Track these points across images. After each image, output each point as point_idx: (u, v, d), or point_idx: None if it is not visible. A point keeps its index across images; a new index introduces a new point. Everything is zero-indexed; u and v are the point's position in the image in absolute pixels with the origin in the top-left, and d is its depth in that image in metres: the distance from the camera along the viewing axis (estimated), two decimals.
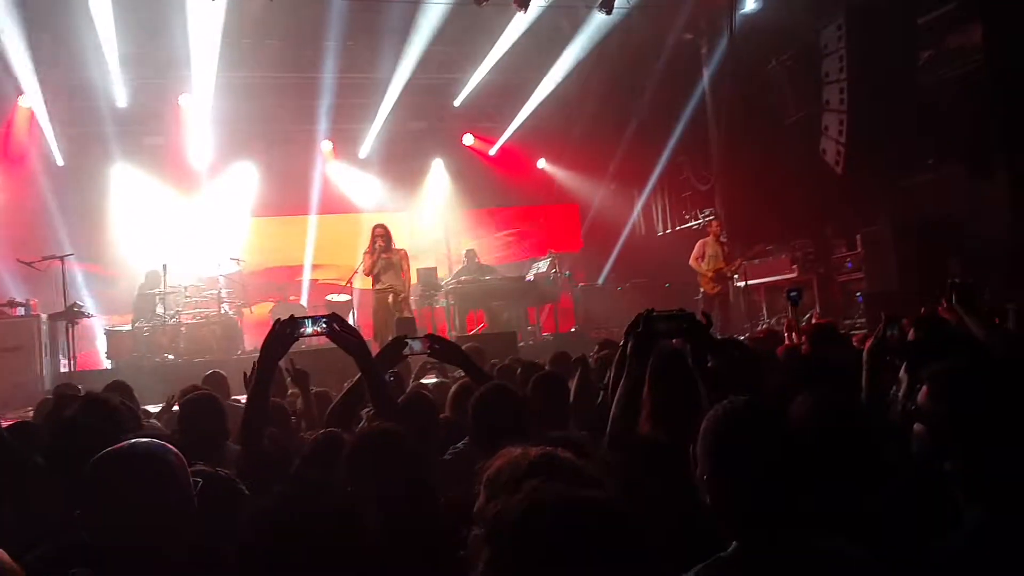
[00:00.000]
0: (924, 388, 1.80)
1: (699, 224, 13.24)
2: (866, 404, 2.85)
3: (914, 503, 1.96)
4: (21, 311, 10.22)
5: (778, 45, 12.19)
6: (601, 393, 3.77)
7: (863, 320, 9.65)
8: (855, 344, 5.14)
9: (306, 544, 1.56)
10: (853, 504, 1.98)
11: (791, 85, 12.18)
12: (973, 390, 1.72)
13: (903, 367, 2.85)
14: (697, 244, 11.70)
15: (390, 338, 10.22)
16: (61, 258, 10.28)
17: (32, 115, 12.36)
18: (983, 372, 1.76)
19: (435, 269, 13.43)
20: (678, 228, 14.69)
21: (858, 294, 10.46)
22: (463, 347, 5.33)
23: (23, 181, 12.57)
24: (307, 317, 2.92)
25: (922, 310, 4.42)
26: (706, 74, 13.15)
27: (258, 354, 2.84)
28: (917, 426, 1.79)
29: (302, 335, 2.86)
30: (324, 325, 2.88)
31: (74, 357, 10.21)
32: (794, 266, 11.19)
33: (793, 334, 6.22)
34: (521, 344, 10.07)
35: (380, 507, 2.08)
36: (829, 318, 8.93)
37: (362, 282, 11.90)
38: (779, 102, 12.37)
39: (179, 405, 3.71)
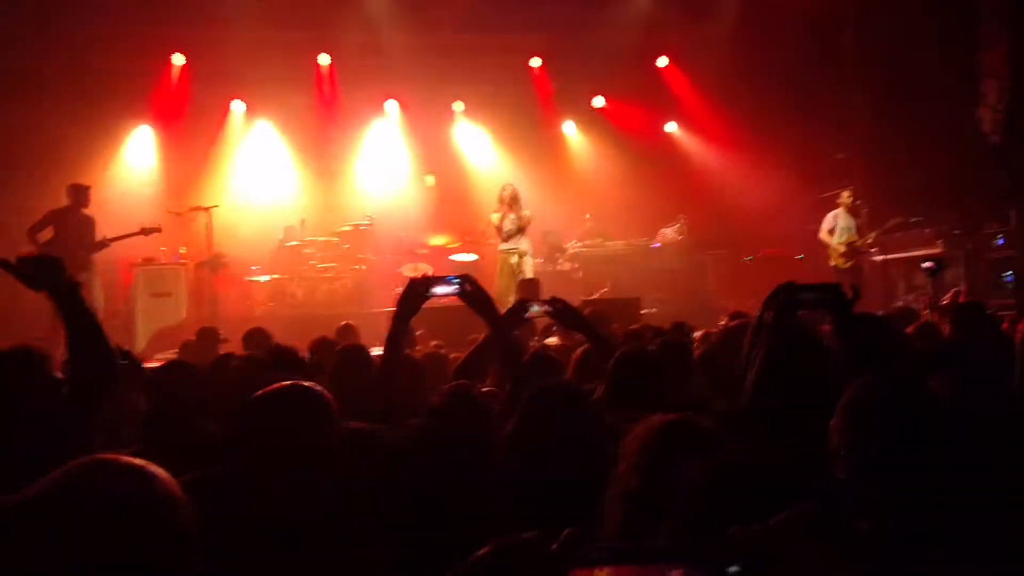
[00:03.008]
0: None
1: (832, 194, 12.70)
2: (1018, 391, 2.70)
3: None
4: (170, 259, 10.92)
5: (929, 5, 11.48)
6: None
7: (1012, 302, 9.09)
8: (1004, 328, 4.87)
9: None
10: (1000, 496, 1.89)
11: (942, 48, 11.47)
12: None
13: None
14: (827, 216, 11.27)
15: (512, 299, 10.42)
16: (208, 209, 10.83)
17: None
18: None
19: (560, 232, 13.44)
20: (815, 198, 14.14)
21: (1008, 273, 9.84)
22: (585, 312, 5.35)
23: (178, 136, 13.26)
24: (441, 277, 2.99)
25: None
26: (851, 37, 12.55)
27: (392, 310, 2.94)
28: None
29: (435, 295, 2.93)
30: (457, 285, 2.94)
31: (216, 304, 10.82)
32: (939, 240, 10.61)
33: (933, 313, 5.93)
34: (644, 311, 9.98)
35: (548, 456, 2.13)
36: (974, 298, 8.45)
37: (486, 242, 12.07)
38: (928, 65, 11.67)
39: (338, 354, 3.85)
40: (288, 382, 2.00)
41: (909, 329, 4.78)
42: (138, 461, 1.21)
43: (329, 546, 1.77)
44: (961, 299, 7.80)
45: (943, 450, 1.63)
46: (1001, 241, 10.07)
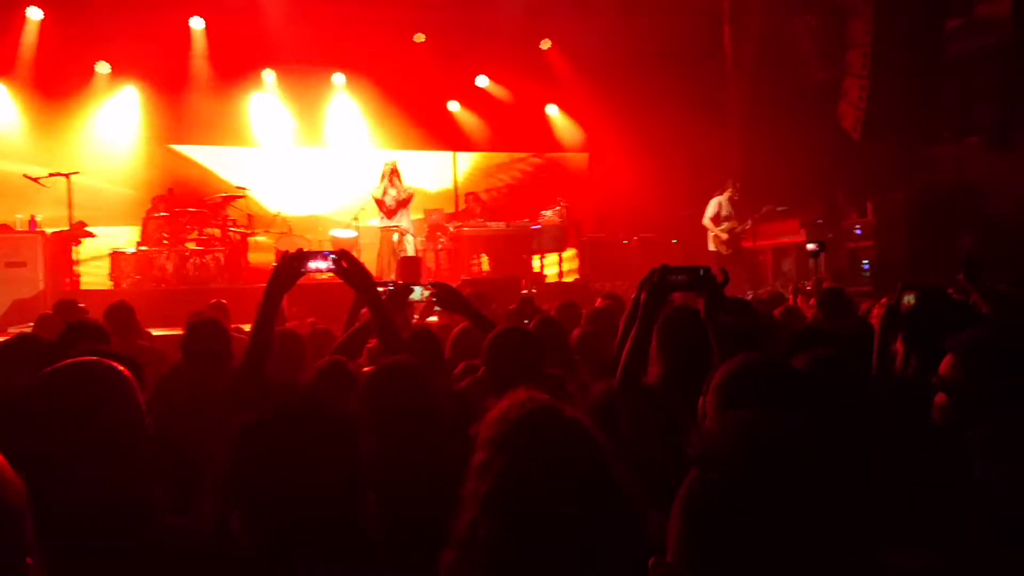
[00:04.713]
0: (949, 357, 1.78)
1: (708, 182, 13.11)
2: (877, 371, 2.83)
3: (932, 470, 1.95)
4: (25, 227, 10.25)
5: (804, 3, 11.97)
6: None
7: (868, 289, 9.63)
8: (861, 312, 5.13)
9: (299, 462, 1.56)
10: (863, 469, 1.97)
11: (816, 45, 11.98)
12: (1003, 359, 1.70)
13: (899, 338, 2.83)
14: (712, 202, 11.60)
15: (393, 277, 10.30)
16: (68, 175, 10.22)
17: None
18: (1011, 341, 1.74)
19: (441, 210, 13.41)
20: (691, 184, 14.57)
21: (865, 262, 10.42)
22: (466, 291, 5.34)
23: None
24: (315, 252, 2.89)
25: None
26: (728, 30, 12.95)
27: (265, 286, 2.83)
28: (939, 396, 1.78)
29: (309, 271, 2.84)
30: (332, 261, 2.85)
31: (78, 276, 10.26)
32: (802, 229, 11.13)
33: (799, 297, 6.20)
34: (524, 292, 10.06)
35: (387, 436, 2.08)
36: (835, 284, 8.90)
37: (366, 219, 11.90)
38: (802, 62, 12.18)
39: (185, 327, 3.70)
40: (83, 357, 1.88)
41: (776, 312, 4.98)
42: None
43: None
44: (824, 285, 8.20)
45: (806, 424, 1.68)
46: (859, 231, 10.64)
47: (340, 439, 1.63)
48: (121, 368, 1.86)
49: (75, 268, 10.52)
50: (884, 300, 3.04)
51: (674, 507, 1.00)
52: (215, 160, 13.55)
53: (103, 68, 12.85)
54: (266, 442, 1.61)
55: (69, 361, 1.87)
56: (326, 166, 14.28)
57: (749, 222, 11.40)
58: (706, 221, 11.59)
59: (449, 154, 15.20)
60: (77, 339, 3.29)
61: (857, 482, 1.00)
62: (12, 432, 1.73)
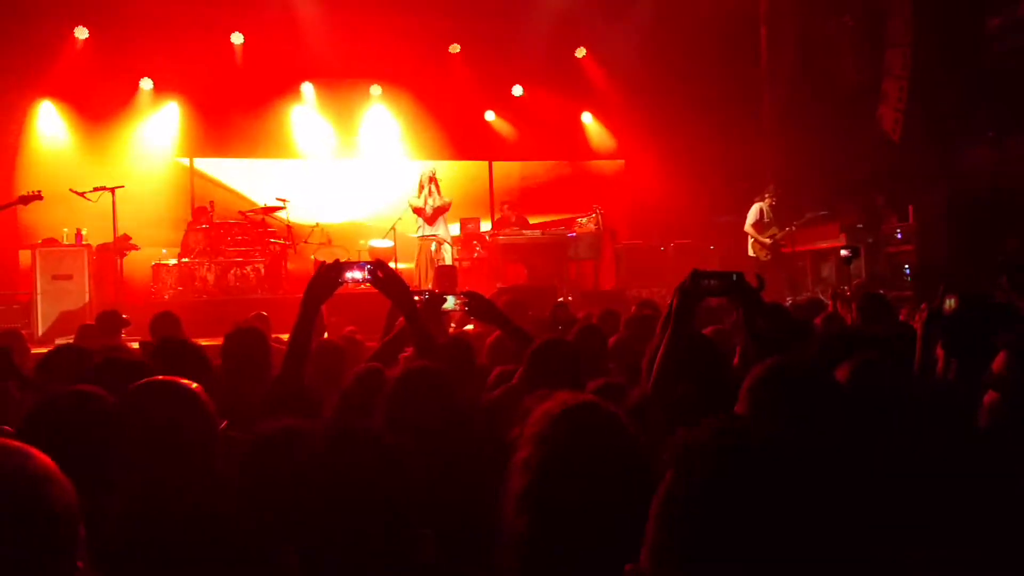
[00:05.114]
0: (1002, 355, 1.75)
1: (746, 188, 13.01)
2: (919, 375, 2.80)
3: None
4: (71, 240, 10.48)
5: (841, 4, 11.85)
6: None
7: (909, 293, 9.48)
8: (902, 318, 5.06)
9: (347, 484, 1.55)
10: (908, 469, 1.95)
11: (852, 47, 11.86)
12: None
13: (939, 343, 2.79)
14: (754, 208, 11.50)
15: (430, 286, 10.34)
16: (113, 189, 10.43)
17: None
18: None
19: (478, 219, 13.45)
20: (727, 190, 14.47)
21: (906, 267, 10.26)
22: (502, 300, 5.36)
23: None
24: (352, 262, 2.93)
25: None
26: (764, 33, 12.87)
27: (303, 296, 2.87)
28: (989, 395, 1.76)
29: (346, 281, 2.87)
30: (368, 271, 2.89)
31: (122, 288, 10.46)
32: (842, 234, 10.99)
33: (839, 302, 6.12)
34: (560, 299, 10.05)
35: (418, 443, 2.10)
36: (875, 289, 8.78)
37: (404, 229, 11.98)
38: (838, 64, 12.06)
39: (224, 337, 3.76)
40: (161, 377, 1.93)
41: (816, 319, 4.93)
42: (13, 443, 1.15)
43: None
44: (864, 290, 8.10)
45: (843, 432, 1.68)
46: (899, 235, 10.49)
47: (395, 465, 1.61)
48: (194, 387, 1.92)
49: (119, 280, 10.72)
50: (924, 305, 3.00)
51: (650, 511, 1.00)
52: (255, 172, 13.74)
53: (146, 84, 13.12)
54: (322, 470, 1.59)
55: (148, 380, 1.94)
56: (364, 177, 14.41)
57: (792, 227, 11.29)
58: (748, 227, 11.50)
59: (485, 164, 15.25)
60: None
61: (841, 489, 1.00)
62: (92, 442, 1.77)
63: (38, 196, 9.68)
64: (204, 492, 1.75)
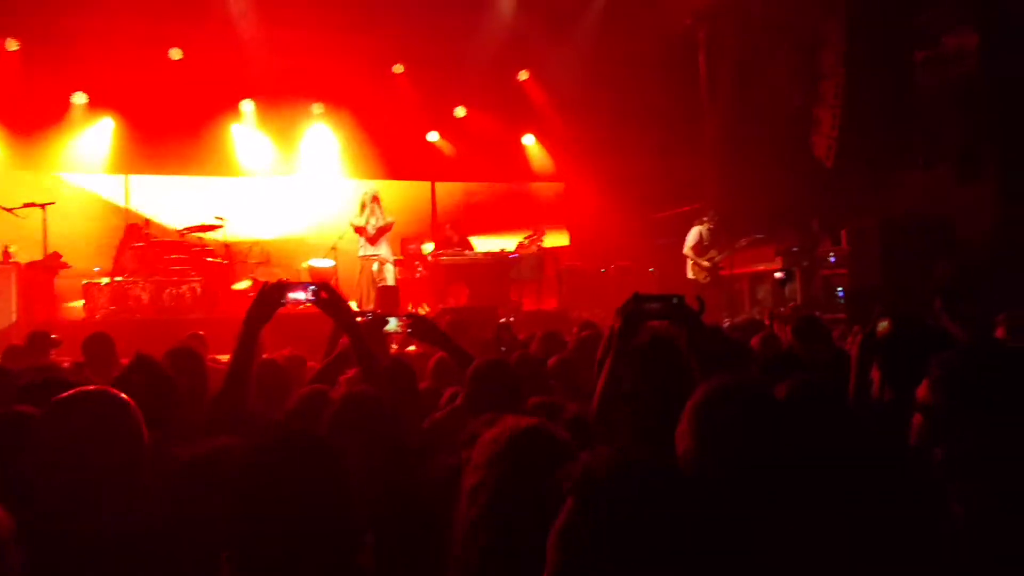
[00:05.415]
0: (928, 379, 1.80)
1: (688, 212, 13.23)
2: (854, 397, 2.87)
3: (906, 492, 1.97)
4: None
5: (778, 35, 12.18)
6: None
7: (842, 316, 9.70)
8: (835, 338, 5.19)
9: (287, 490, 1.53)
10: (839, 490, 1.99)
11: (789, 74, 12.18)
12: (980, 380, 1.72)
13: (874, 365, 2.86)
14: (693, 232, 11.72)
15: (372, 306, 10.26)
16: (43, 206, 10.15)
17: None
18: (989, 363, 1.76)
19: (420, 239, 13.44)
20: (666, 213, 14.69)
21: (839, 289, 10.51)
22: (445, 320, 5.35)
23: None
24: (295, 283, 2.90)
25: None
26: (703, 60, 13.15)
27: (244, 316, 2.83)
28: (916, 418, 1.80)
29: (288, 301, 2.84)
30: (312, 292, 2.86)
31: (52, 307, 10.16)
32: (778, 257, 11.23)
33: (776, 324, 6.25)
34: (502, 320, 10.06)
35: (359, 466, 2.08)
36: (810, 311, 8.97)
37: (346, 249, 11.89)
38: (776, 90, 12.37)
39: (162, 357, 3.68)
40: (91, 387, 1.88)
41: (754, 340, 5.02)
42: None
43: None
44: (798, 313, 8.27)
45: (785, 448, 1.71)
46: (833, 259, 10.75)
47: (334, 470, 1.61)
48: (124, 397, 1.87)
49: (50, 299, 10.42)
50: (857, 328, 3.08)
51: (550, 537, 0.99)
52: (192, 190, 13.50)
53: (80, 99, 12.82)
54: (258, 474, 1.57)
55: (75, 391, 1.88)
56: (304, 196, 14.29)
57: (726, 251, 11.51)
58: (687, 250, 11.68)
59: (427, 184, 15.25)
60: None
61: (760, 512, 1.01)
62: (7, 460, 1.73)
63: None
64: (125, 505, 1.72)
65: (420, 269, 12.35)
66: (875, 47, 10.60)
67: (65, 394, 1.87)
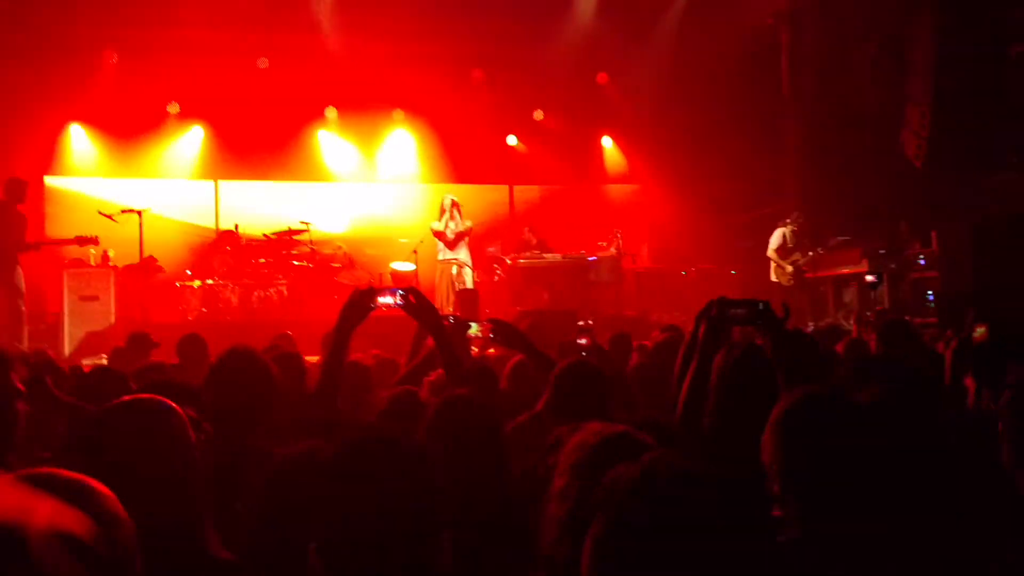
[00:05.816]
0: (1009, 393, 1.77)
1: (767, 213, 13.01)
2: (948, 404, 2.80)
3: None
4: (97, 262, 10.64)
5: (863, 32, 11.88)
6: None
7: (933, 320, 9.41)
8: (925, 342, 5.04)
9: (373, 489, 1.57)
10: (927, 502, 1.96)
11: (874, 74, 11.87)
12: None
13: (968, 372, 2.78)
14: (777, 233, 11.53)
15: (451, 309, 10.39)
16: (139, 212, 10.58)
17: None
18: None
19: (499, 243, 13.52)
20: (748, 215, 14.46)
21: (929, 293, 10.20)
22: (524, 323, 5.39)
23: None
24: (385, 288, 3.00)
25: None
26: (786, 60, 12.91)
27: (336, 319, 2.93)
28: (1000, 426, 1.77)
29: (378, 306, 2.93)
30: (400, 297, 2.94)
31: (148, 310, 10.59)
32: (864, 259, 10.95)
33: (861, 328, 6.11)
34: (581, 323, 10.07)
35: (452, 470, 2.13)
36: (898, 315, 8.73)
37: (426, 252, 12.05)
38: (861, 90, 12.06)
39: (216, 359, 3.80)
40: (144, 395, 1.95)
41: (838, 346, 4.92)
42: (77, 475, 1.19)
43: None
44: (886, 317, 8.06)
45: (869, 462, 1.69)
46: (923, 262, 10.43)
47: (419, 471, 1.63)
48: (172, 404, 1.93)
49: (145, 301, 10.85)
50: (949, 333, 3.00)
51: (583, 552, 0.98)
52: (279, 195, 13.87)
53: (173, 108, 13.33)
54: (346, 472, 1.64)
55: (126, 398, 1.96)
56: (386, 200, 14.53)
57: (811, 255, 11.28)
58: (771, 252, 11.51)
59: (505, 187, 15.34)
60: None
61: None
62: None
63: (94, 241, 9.87)
64: (172, 509, 1.79)
65: (499, 272, 12.43)
66: (967, 42, 10.24)
67: (116, 401, 1.93)
